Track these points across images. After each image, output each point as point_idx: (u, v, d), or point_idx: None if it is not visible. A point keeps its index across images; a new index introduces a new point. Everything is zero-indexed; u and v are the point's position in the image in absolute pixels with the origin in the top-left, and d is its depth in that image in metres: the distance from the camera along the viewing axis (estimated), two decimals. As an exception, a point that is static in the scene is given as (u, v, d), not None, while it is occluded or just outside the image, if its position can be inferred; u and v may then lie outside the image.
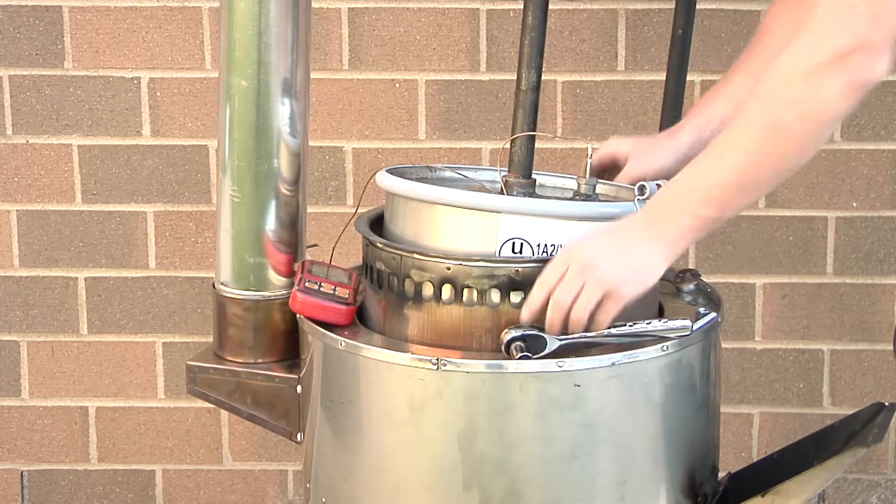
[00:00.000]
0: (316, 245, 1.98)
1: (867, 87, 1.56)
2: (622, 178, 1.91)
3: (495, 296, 1.70)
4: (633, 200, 1.74)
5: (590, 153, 1.94)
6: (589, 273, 1.63)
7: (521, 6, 2.06)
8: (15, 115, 2.66)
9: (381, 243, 1.77)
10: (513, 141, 1.88)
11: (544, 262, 1.70)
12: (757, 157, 1.59)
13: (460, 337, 1.72)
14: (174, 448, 2.77)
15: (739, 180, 1.61)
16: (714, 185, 1.62)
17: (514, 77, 1.95)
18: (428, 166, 1.97)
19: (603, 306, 1.64)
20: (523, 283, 1.69)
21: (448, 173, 1.98)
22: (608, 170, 1.95)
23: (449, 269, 1.71)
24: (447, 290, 1.71)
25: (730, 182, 1.61)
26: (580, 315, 1.63)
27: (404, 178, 1.87)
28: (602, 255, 1.64)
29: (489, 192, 1.85)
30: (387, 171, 1.84)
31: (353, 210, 1.91)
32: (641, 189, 1.75)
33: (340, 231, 1.90)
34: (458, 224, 1.73)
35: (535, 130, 1.89)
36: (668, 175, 1.81)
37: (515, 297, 1.70)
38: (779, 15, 1.91)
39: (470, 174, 1.97)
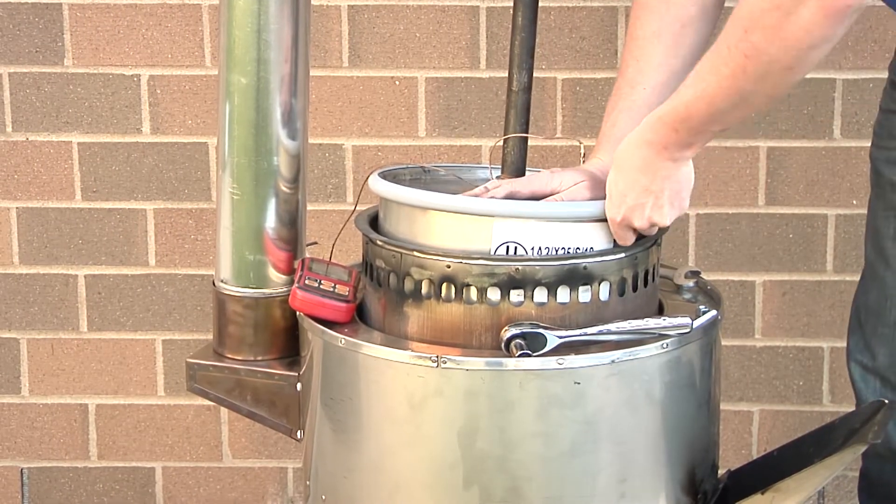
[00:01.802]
0: (315, 243, 1.98)
1: (846, 11, 1.54)
2: None
3: (495, 294, 1.70)
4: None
5: (583, 152, 1.94)
6: (637, 223, 1.72)
7: (522, 4, 2.06)
8: (15, 112, 2.65)
9: (381, 241, 1.77)
10: (505, 142, 1.88)
11: (544, 261, 1.70)
12: (746, 83, 1.61)
13: (460, 335, 1.72)
14: (174, 445, 2.78)
15: (735, 101, 1.64)
16: (714, 109, 1.65)
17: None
18: (422, 166, 1.96)
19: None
20: (523, 282, 1.69)
21: (442, 173, 1.98)
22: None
23: (449, 266, 1.71)
24: (447, 288, 1.71)
25: (727, 105, 1.64)
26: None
27: (398, 179, 1.86)
28: (640, 207, 1.71)
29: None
30: (380, 173, 1.84)
31: (353, 207, 1.91)
32: None
33: (340, 228, 1.90)
34: (452, 229, 1.73)
35: (527, 131, 1.88)
36: None
37: (515, 295, 1.70)
38: (645, 18, 1.90)
39: (464, 174, 1.97)
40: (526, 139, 1.89)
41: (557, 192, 1.80)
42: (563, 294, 1.70)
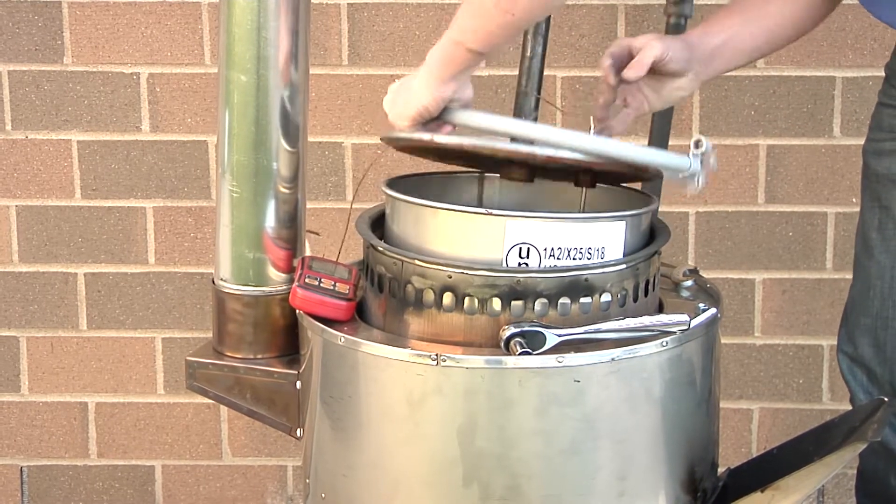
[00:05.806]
0: (317, 233, 1.97)
1: None
2: (634, 63, 1.85)
3: (497, 304, 1.69)
4: (689, 154, 1.74)
5: (592, 126, 1.91)
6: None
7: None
8: (14, 110, 2.65)
9: (382, 247, 1.76)
10: (516, 105, 1.87)
11: (546, 272, 1.69)
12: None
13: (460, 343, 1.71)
14: (174, 444, 2.78)
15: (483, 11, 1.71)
16: (461, 18, 1.73)
17: (514, 73, 1.96)
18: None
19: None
20: (525, 293, 1.68)
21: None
22: (621, 62, 1.88)
23: (450, 276, 1.70)
24: (448, 298, 1.71)
25: (473, 11, 1.72)
26: None
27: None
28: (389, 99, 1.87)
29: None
30: (392, 180, 1.85)
31: (353, 206, 1.91)
32: (697, 143, 1.74)
33: (344, 228, 1.90)
34: (463, 230, 1.72)
35: (539, 95, 1.87)
36: (680, 58, 1.85)
37: (517, 306, 1.69)
38: None
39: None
40: (538, 100, 1.88)
41: (634, 45, 1.83)
42: (565, 305, 1.70)
